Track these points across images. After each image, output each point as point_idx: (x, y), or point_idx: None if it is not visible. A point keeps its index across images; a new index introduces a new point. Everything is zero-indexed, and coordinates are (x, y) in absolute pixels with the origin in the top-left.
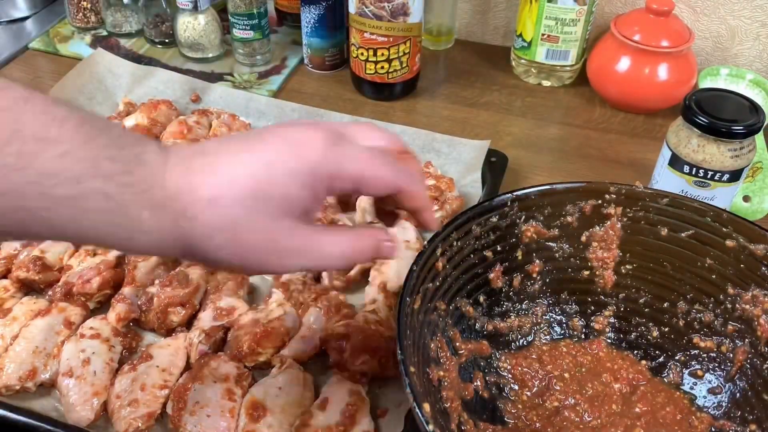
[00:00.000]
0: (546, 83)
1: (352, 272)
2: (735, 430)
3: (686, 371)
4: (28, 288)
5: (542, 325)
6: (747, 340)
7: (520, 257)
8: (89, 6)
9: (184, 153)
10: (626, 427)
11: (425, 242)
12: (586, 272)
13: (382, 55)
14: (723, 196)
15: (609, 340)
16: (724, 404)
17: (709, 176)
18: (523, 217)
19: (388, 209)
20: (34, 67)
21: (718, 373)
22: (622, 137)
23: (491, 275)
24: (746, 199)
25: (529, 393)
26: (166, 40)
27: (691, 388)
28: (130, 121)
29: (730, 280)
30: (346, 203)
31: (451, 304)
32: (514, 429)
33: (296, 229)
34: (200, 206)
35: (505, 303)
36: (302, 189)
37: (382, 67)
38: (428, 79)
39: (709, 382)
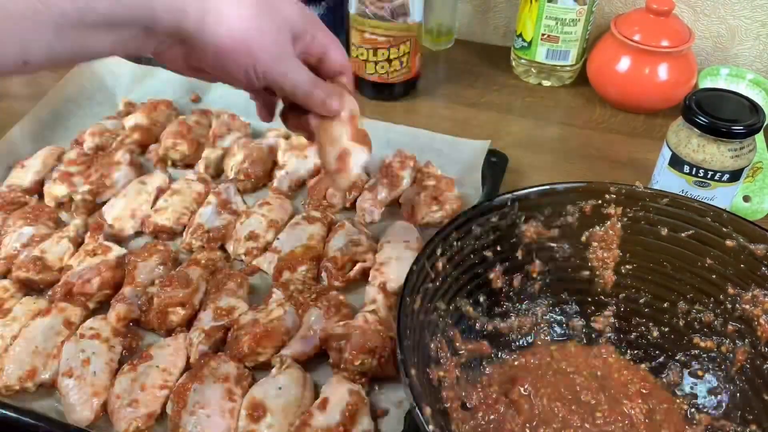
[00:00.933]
0: (546, 83)
1: (352, 272)
2: (735, 430)
3: (686, 371)
4: (28, 288)
5: (542, 325)
6: (747, 340)
7: (520, 257)
8: None
9: None
10: (626, 426)
11: (425, 242)
12: (586, 272)
13: (382, 55)
14: (723, 196)
15: (611, 342)
16: (724, 404)
17: (709, 176)
18: (523, 217)
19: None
20: None
21: (718, 373)
22: (622, 137)
23: (491, 275)
24: (746, 199)
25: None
26: None
27: (691, 388)
28: (130, 122)
29: (730, 280)
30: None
31: (451, 304)
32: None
33: (290, 47)
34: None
35: (506, 303)
36: (298, 22)
37: (382, 67)
38: (428, 79)
39: (709, 382)
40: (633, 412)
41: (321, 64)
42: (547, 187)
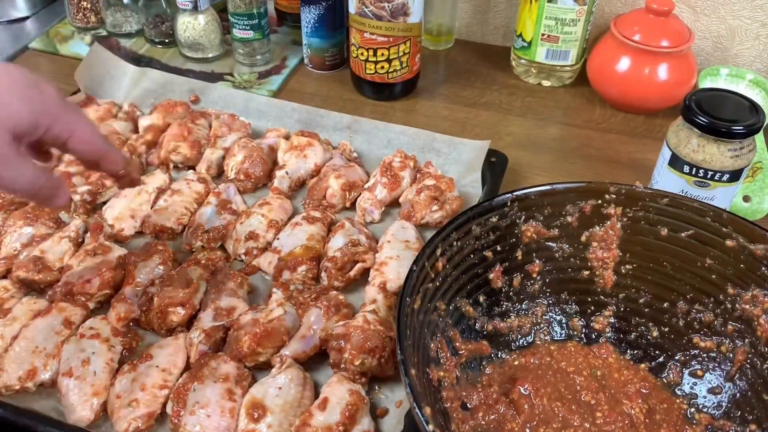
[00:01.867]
0: (546, 83)
1: (352, 272)
2: (735, 430)
3: (686, 371)
4: (28, 288)
5: (542, 325)
6: (747, 340)
7: (520, 257)
8: (89, 6)
9: None
10: (626, 426)
11: (425, 242)
12: (586, 272)
13: (382, 55)
14: (723, 196)
15: (611, 342)
16: (724, 404)
17: (709, 176)
18: (523, 217)
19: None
20: (34, 67)
21: (718, 373)
22: (622, 137)
23: (491, 275)
24: (746, 199)
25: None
26: (166, 40)
27: (691, 388)
28: (145, 121)
29: (730, 280)
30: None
31: (451, 304)
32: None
33: (6, 150)
34: None
35: (505, 303)
36: (22, 121)
37: (382, 67)
38: (428, 79)
39: (709, 382)
40: (633, 412)
41: (69, 145)
42: (547, 187)
